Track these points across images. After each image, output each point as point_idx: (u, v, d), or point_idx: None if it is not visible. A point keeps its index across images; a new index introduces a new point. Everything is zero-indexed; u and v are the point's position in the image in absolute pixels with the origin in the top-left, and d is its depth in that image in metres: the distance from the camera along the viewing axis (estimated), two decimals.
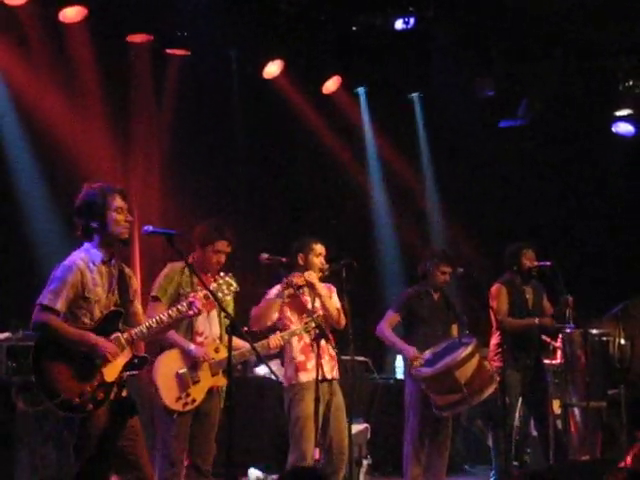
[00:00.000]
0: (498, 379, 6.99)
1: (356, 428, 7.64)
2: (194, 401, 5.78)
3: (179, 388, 5.75)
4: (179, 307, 5.10)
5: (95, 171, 7.91)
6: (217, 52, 9.24)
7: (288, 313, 6.53)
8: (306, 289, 6.53)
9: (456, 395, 6.89)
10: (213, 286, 5.22)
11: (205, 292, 5.16)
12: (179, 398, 5.74)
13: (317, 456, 6.49)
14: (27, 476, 6.90)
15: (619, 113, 10.34)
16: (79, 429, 4.75)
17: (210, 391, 5.87)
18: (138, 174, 9.02)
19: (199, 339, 5.89)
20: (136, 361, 4.95)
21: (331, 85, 9.94)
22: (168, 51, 9.01)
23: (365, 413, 8.52)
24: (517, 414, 7.93)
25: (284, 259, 6.41)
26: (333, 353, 6.42)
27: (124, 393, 4.92)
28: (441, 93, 10.29)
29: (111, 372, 4.84)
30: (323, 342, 6.19)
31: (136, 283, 5.20)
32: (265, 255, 6.34)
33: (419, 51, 9.60)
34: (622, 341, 8.18)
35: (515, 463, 8.19)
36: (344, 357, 6.47)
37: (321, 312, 6.45)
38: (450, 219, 10.85)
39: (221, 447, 5.71)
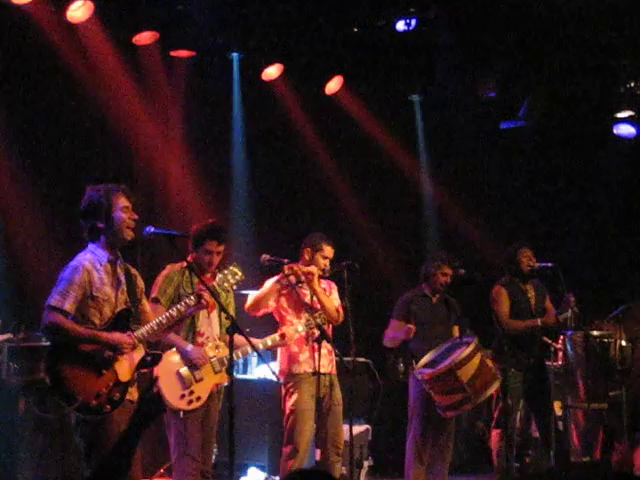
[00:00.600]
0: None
1: (357, 429, 7.64)
2: (199, 398, 5.80)
3: (182, 386, 5.76)
4: (187, 301, 5.11)
5: None
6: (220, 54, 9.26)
7: (285, 304, 6.58)
8: (305, 284, 6.57)
9: (459, 395, 6.89)
10: (219, 277, 5.25)
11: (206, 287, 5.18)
12: (182, 396, 5.76)
13: (318, 457, 6.53)
14: (29, 478, 6.90)
15: (620, 115, 10.34)
16: (92, 432, 4.74)
17: (211, 391, 5.89)
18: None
19: (200, 339, 5.92)
20: (149, 358, 4.96)
21: (333, 86, 9.93)
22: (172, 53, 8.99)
23: (366, 414, 8.50)
24: (518, 415, 7.92)
25: (286, 260, 6.43)
26: (330, 348, 6.45)
27: (135, 394, 4.92)
28: (442, 95, 10.29)
29: (125, 371, 4.84)
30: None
31: (142, 283, 5.22)
32: (267, 256, 6.37)
33: (420, 53, 9.60)
34: (623, 343, 8.18)
35: (516, 464, 8.19)
36: (346, 358, 6.48)
37: (318, 306, 6.49)
38: (449, 220, 10.85)
39: (222, 447, 5.72)
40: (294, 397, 6.45)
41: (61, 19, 7.98)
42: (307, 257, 6.65)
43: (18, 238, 8.07)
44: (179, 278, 5.90)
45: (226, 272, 5.33)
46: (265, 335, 6.29)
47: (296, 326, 6.38)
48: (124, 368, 4.84)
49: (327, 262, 6.64)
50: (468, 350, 6.88)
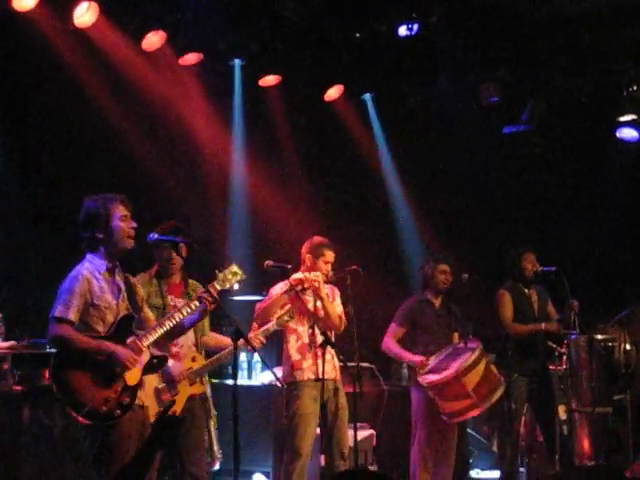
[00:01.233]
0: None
1: (362, 434, 7.63)
2: (174, 413, 5.73)
3: (158, 403, 5.66)
4: (192, 304, 5.09)
5: None
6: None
7: None
8: (310, 290, 6.57)
9: (465, 401, 6.89)
10: (219, 276, 5.20)
11: (206, 290, 5.14)
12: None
13: (322, 462, 6.51)
14: None
15: (623, 119, 10.32)
16: (102, 439, 4.74)
17: (191, 399, 5.87)
18: None
19: (174, 349, 5.86)
20: (155, 361, 4.96)
21: (334, 92, 9.92)
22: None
23: (371, 419, 8.49)
24: (523, 420, 7.91)
25: (289, 266, 6.42)
26: (334, 353, 6.44)
27: (144, 399, 4.92)
28: (445, 99, 10.28)
29: (133, 375, 4.85)
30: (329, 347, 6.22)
31: (142, 291, 5.22)
32: (270, 262, 6.35)
33: (423, 57, 9.59)
34: (628, 346, 8.18)
35: (521, 469, 8.18)
36: (350, 364, 6.47)
37: (322, 313, 6.47)
38: (453, 224, 10.84)
39: (227, 453, 5.70)
40: (296, 403, 6.45)
41: (66, 27, 7.94)
42: (309, 263, 6.65)
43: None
44: (148, 289, 5.85)
45: (226, 272, 5.30)
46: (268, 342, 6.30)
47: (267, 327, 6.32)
48: (132, 372, 4.84)
49: (329, 267, 6.65)
50: (474, 356, 6.87)
